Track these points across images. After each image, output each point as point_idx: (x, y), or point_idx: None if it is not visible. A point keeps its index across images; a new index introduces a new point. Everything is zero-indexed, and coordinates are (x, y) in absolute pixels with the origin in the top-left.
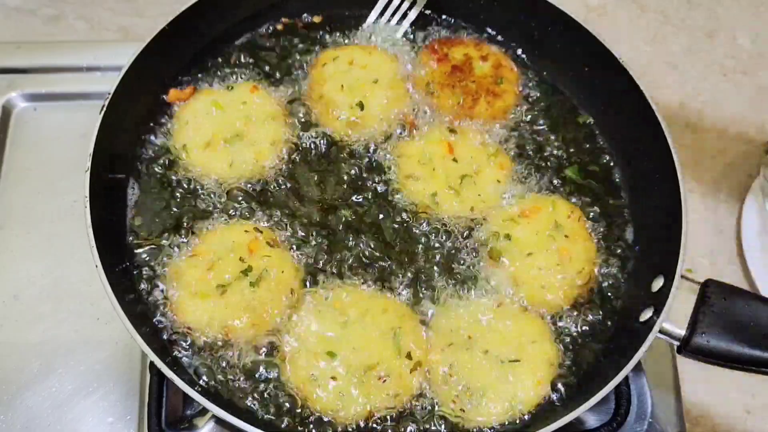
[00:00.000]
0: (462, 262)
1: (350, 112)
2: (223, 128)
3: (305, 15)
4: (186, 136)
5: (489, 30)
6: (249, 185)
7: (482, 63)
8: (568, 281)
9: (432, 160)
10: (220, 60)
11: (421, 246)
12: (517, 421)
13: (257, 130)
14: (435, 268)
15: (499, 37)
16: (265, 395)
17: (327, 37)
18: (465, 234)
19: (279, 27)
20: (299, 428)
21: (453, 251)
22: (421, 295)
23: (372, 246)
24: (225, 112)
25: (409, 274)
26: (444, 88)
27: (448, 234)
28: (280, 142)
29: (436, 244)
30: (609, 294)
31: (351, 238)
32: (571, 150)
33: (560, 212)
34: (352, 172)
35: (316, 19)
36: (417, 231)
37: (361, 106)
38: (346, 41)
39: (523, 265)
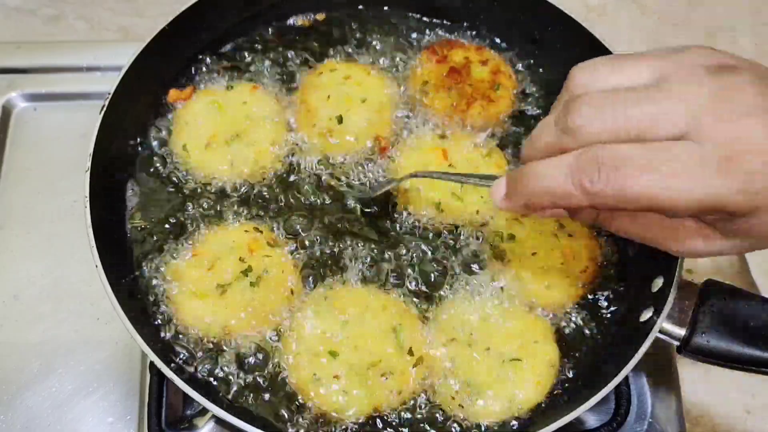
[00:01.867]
0: (465, 261)
1: (327, 123)
2: (223, 128)
3: (309, 14)
4: (186, 136)
5: (488, 30)
6: (249, 185)
7: (481, 67)
8: (572, 280)
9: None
10: (220, 60)
11: (423, 245)
12: (517, 420)
13: (257, 130)
14: (437, 267)
15: (499, 38)
16: (266, 395)
17: (329, 45)
18: (468, 233)
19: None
20: (301, 428)
21: (456, 250)
22: (422, 293)
23: (372, 245)
24: (225, 112)
25: (410, 273)
26: (439, 89)
27: (452, 234)
28: (281, 142)
29: (440, 244)
30: (610, 294)
31: (351, 238)
32: None
33: None
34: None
35: (319, 16)
36: (419, 231)
37: (340, 119)
38: (348, 49)
39: (527, 264)
